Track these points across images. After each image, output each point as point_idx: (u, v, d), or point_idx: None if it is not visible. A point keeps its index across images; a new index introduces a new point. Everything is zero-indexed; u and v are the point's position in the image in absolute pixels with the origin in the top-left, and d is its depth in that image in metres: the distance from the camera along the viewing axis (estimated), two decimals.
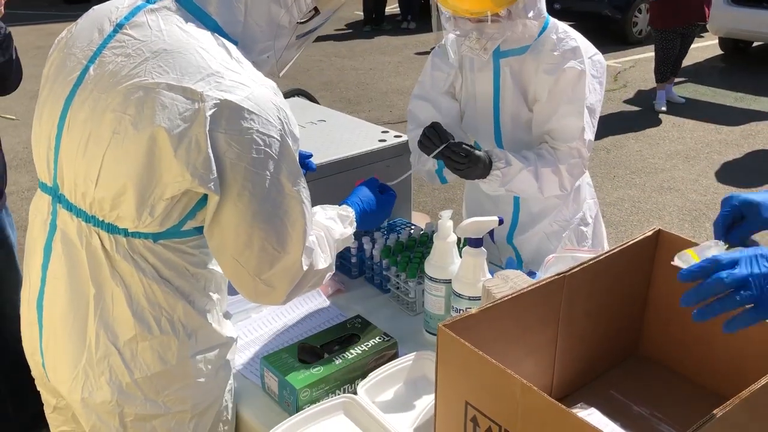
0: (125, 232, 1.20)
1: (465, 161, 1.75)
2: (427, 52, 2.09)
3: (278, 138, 1.18)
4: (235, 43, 1.25)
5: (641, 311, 1.40)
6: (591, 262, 1.22)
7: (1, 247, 2.33)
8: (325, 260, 1.36)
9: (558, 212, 2.04)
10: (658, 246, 1.33)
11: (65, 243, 1.25)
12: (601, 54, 1.91)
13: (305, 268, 1.29)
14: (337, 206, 1.54)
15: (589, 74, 1.84)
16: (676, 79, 7.32)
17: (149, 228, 1.19)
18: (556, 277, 1.18)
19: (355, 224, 1.53)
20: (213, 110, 1.12)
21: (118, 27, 1.22)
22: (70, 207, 1.24)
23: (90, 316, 1.24)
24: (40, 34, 9.91)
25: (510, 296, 1.13)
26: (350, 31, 11.14)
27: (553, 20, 1.88)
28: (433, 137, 1.79)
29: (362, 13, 11.23)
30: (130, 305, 1.22)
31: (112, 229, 1.20)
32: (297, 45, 1.42)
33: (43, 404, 1.47)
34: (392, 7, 11.55)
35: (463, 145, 1.76)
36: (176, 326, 1.26)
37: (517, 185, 1.83)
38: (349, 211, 1.53)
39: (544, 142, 1.88)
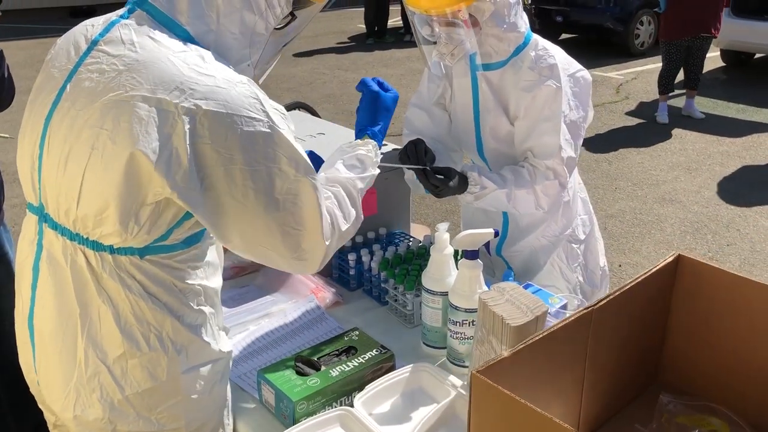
0: (111, 249, 1.20)
1: (436, 189, 1.79)
2: None
3: (267, 129, 1.17)
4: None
5: (661, 340, 1.36)
6: (617, 293, 1.18)
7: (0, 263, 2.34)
8: (347, 217, 1.36)
9: (546, 227, 2.05)
10: (678, 272, 1.29)
11: (50, 263, 1.25)
12: (586, 71, 1.90)
13: (327, 243, 1.29)
14: (356, 144, 1.50)
15: (569, 91, 1.84)
16: (677, 91, 7.31)
17: (138, 239, 1.19)
18: (584, 311, 1.14)
19: (379, 157, 1.51)
20: (192, 122, 1.12)
21: (93, 44, 1.22)
22: (55, 226, 1.24)
23: (78, 334, 1.23)
24: (46, 48, 9.83)
25: (542, 335, 1.08)
26: (353, 43, 11.20)
27: (535, 36, 1.88)
28: (412, 157, 1.82)
29: (364, 26, 11.28)
30: (117, 323, 1.22)
31: (97, 246, 1.20)
32: (275, 52, 1.42)
33: (42, 417, 1.47)
34: (395, 20, 11.60)
35: (436, 175, 1.79)
36: (165, 342, 1.25)
37: (489, 203, 1.88)
38: (372, 146, 1.50)
39: (526, 158, 1.90)
